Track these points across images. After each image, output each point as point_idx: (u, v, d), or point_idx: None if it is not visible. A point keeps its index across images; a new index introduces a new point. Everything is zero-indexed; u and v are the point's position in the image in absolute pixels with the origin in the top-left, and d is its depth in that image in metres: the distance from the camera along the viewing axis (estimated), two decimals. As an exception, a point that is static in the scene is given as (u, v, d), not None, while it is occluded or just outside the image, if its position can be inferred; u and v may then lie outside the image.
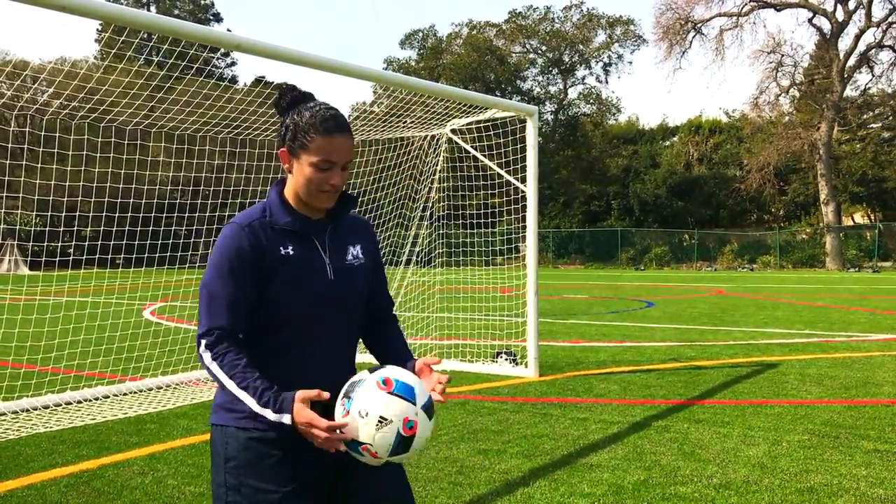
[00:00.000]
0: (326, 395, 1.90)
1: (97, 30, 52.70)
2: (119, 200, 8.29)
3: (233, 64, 59.22)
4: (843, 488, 4.25)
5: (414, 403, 1.92)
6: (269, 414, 1.89)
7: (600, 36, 55.12)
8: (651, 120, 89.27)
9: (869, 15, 40.40)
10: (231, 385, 1.94)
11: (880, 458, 4.84)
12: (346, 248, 2.20)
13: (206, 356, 1.98)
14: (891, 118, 44.79)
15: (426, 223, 10.11)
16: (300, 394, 1.88)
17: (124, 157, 8.34)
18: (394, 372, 1.98)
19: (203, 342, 1.99)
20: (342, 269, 2.14)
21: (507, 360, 8.32)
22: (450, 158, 9.84)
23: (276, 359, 2.06)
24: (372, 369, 2.00)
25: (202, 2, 61.46)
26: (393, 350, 2.31)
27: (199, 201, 9.46)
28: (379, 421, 1.87)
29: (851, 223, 47.00)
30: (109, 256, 8.30)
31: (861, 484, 4.32)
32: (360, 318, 2.25)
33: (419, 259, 10.11)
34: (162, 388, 7.16)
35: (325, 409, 1.94)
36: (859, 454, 4.92)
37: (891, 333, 11.31)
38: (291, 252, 2.06)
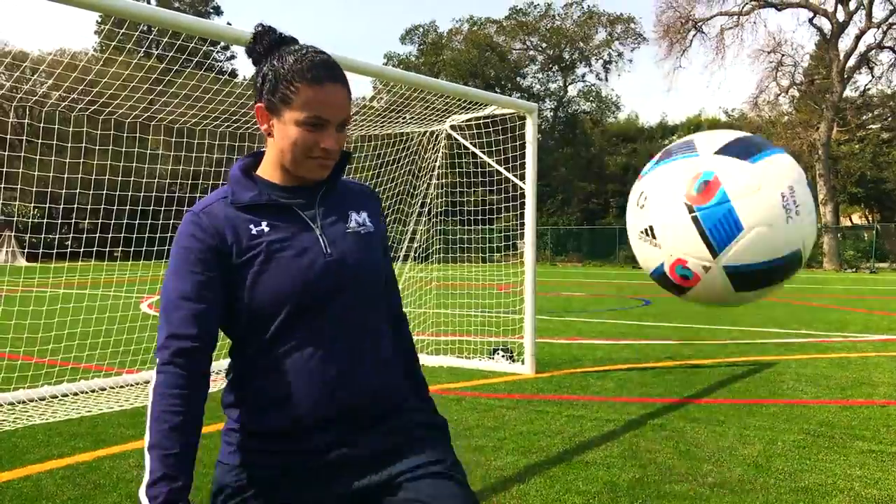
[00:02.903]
0: None
1: (97, 21, 52.66)
2: (118, 193, 8.28)
3: (232, 57, 59.20)
4: (838, 488, 4.27)
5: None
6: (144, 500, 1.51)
7: (601, 33, 55.16)
8: (650, 118, 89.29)
9: (869, 16, 40.39)
10: (146, 436, 1.56)
11: (875, 458, 4.85)
12: (347, 214, 1.75)
13: (152, 381, 1.60)
14: (890, 119, 44.86)
15: (424, 219, 10.10)
16: None
17: (123, 149, 8.33)
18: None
19: (157, 359, 1.62)
20: (344, 239, 1.70)
21: (503, 356, 8.33)
22: (449, 155, 9.83)
23: (286, 370, 1.64)
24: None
25: (202, -5, 61.29)
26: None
27: (197, 195, 9.44)
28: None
29: (849, 224, 47.06)
30: (107, 249, 8.28)
31: (855, 484, 4.34)
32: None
33: (417, 255, 10.11)
34: (159, 381, 7.15)
35: (373, 421, 1.68)
36: (854, 454, 4.93)
37: (887, 334, 11.34)
38: (266, 229, 1.64)
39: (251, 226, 1.64)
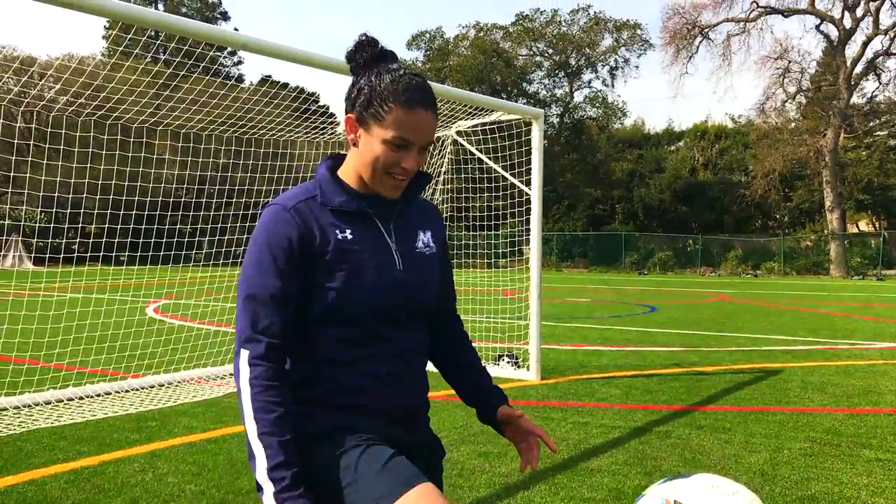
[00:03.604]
0: None
1: (105, 27, 52.87)
2: (124, 198, 8.31)
3: (239, 63, 59.46)
4: (844, 497, 4.24)
5: None
6: (269, 493, 1.57)
7: (607, 40, 55.19)
8: (657, 124, 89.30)
9: (876, 22, 40.35)
10: (251, 426, 1.62)
11: (881, 466, 4.82)
12: (416, 233, 1.85)
13: (246, 373, 1.65)
14: (897, 126, 44.73)
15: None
16: None
17: (130, 154, 8.35)
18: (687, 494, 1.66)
19: (246, 353, 1.65)
20: (412, 259, 1.80)
21: (509, 362, 8.32)
22: (454, 160, 9.84)
23: (335, 363, 1.74)
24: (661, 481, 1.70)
25: (209, 0, 61.58)
26: (463, 362, 2.05)
27: (203, 200, 9.48)
28: None
29: (856, 231, 46.91)
30: (114, 253, 8.32)
31: (862, 493, 4.31)
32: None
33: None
34: (164, 385, 7.17)
35: (407, 420, 1.79)
36: (861, 463, 4.90)
37: (894, 342, 11.28)
38: (350, 236, 1.71)
39: (337, 231, 1.71)
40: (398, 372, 1.78)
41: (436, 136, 1.82)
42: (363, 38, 1.75)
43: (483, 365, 2.09)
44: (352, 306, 1.70)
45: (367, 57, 1.73)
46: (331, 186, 1.75)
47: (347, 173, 1.78)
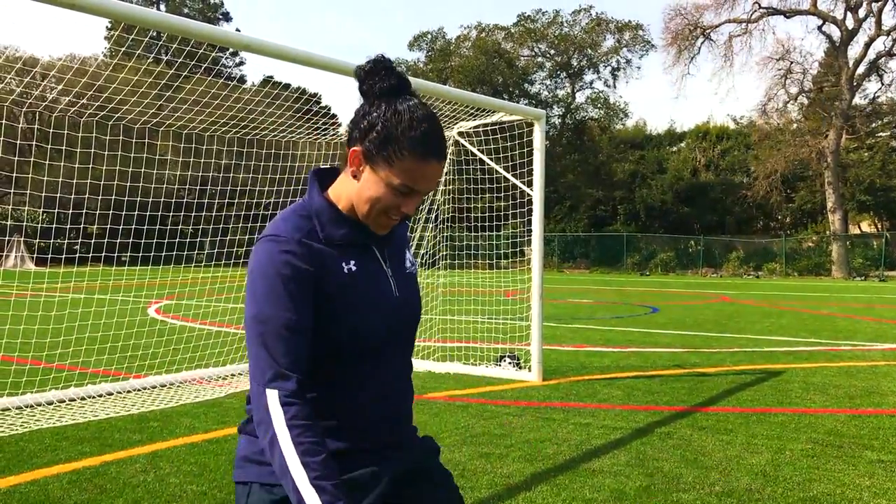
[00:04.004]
0: None
1: (107, 27, 52.95)
2: (126, 198, 8.33)
3: (241, 63, 59.53)
4: (846, 498, 4.24)
5: None
6: None
7: (609, 41, 55.10)
8: (658, 125, 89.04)
9: (879, 23, 40.30)
10: (299, 471, 1.50)
11: (883, 468, 4.82)
12: (403, 253, 1.84)
13: (279, 414, 1.53)
14: (899, 127, 44.68)
15: (431, 225, 10.10)
16: None
17: (132, 155, 8.36)
18: None
19: (275, 393, 1.54)
20: (404, 281, 1.79)
21: (510, 363, 8.31)
22: (456, 161, 9.84)
23: (347, 393, 1.69)
24: None
25: (211, 1, 61.65)
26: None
27: (205, 200, 9.48)
28: None
29: (858, 232, 46.85)
30: (116, 254, 8.34)
31: (864, 494, 4.31)
32: None
33: (424, 261, 10.11)
34: (165, 386, 7.17)
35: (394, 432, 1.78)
36: (862, 464, 4.90)
37: (896, 343, 11.27)
38: (355, 268, 1.67)
39: (343, 264, 1.66)
40: (395, 393, 1.77)
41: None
42: (380, 62, 1.65)
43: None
44: (365, 336, 1.66)
45: (384, 87, 1.63)
46: (330, 218, 1.68)
47: (339, 198, 1.70)
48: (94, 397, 6.58)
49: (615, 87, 60.41)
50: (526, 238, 8.87)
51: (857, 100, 42.90)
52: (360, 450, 1.70)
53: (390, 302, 1.72)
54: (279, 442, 1.51)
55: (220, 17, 61.55)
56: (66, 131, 7.54)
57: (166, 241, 9.44)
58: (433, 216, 10.02)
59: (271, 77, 55.14)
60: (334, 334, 1.63)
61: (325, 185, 1.75)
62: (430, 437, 1.97)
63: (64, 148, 7.67)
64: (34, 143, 7.21)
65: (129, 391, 6.90)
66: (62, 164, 7.62)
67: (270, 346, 1.56)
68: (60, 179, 7.68)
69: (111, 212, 8.12)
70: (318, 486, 1.49)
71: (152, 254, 9.25)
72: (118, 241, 8.58)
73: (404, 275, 1.80)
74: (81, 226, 8.22)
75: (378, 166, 1.61)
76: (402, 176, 1.60)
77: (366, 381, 1.70)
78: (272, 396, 1.53)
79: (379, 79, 1.64)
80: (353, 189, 1.66)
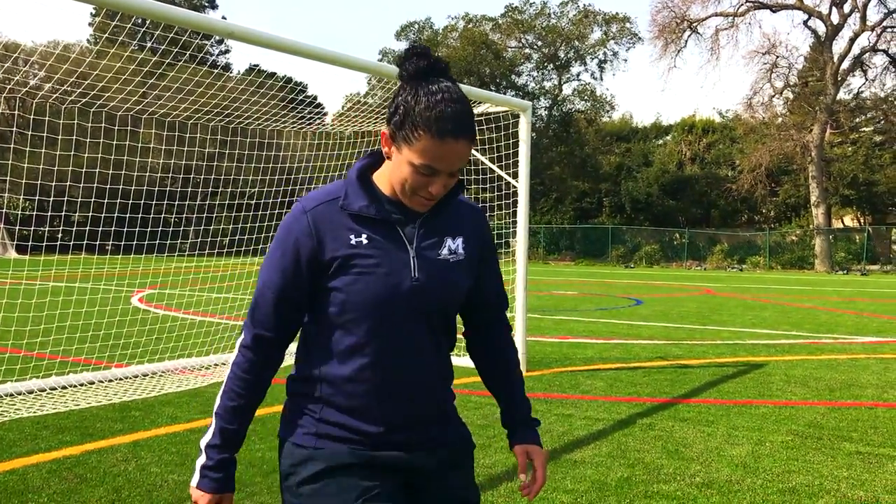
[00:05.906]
0: None
1: (91, 13, 52.40)
2: (109, 186, 8.25)
3: (226, 51, 59.02)
4: (825, 489, 4.28)
5: None
6: (197, 466, 1.76)
7: (596, 33, 55.10)
8: (645, 118, 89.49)
9: (864, 19, 40.53)
10: (217, 400, 1.78)
11: (861, 459, 4.88)
12: (443, 240, 1.79)
13: (234, 355, 1.78)
14: (883, 122, 45.01)
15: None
16: (218, 497, 1.74)
17: (115, 142, 8.29)
18: None
19: (241, 338, 1.78)
20: (433, 266, 1.75)
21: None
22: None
23: (358, 381, 1.73)
24: None
25: (197, -12, 61.09)
26: (500, 372, 2.07)
27: (189, 189, 9.42)
28: None
29: (841, 226, 47.26)
30: (98, 242, 8.25)
31: (842, 485, 4.36)
32: (465, 318, 2.01)
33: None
34: (148, 375, 7.14)
35: (418, 414, 1.79)
36: (841, 456, 4.95)
37: (876, 336, 11.39)
38: (365, 241, 1.70)
39: (352, 235, 1.70)
40: (405, 379, 1.77)
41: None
42: (414, 47, 1.69)
43: (516, 377, 2.07)
44: (358, 310, 1.69)
45: (411, 69, 1.66)
46: (356, 190, 1.73)
47: (382, 178, 1.76)
48: (75, 386, 6.54)
49: (602, 79, 60.64)
50: (511, 229, 8.88)
51: (842, 95, 43.20)
52: (369, 432, 1.75)
53: (402, 284, 1.70)
54: (226, 374, 1.79)
55: (206, 3, 61.01)
56: (48, 118, 7.46)
57: (149, 229, 9.39)
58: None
59: (257, 65, 54.85)
60: (336, 303, 1.71)
61: (372, 165, 1.82)
62: (466, 433, 1.98)
63: (46, 135, 7.59)
64: (15, 129, 7.13)
65: (111, 380, 6.86)
66: (44, 150, 7.56)
67: (255, 299, 1.77)
68: (42, 166, 7.61)
69: (94, 200, 8.05)
70: (216, 419, 1.76)
71: (135, 242, 9.19)
72: (101, 229, 8.52)
73: (435, 260, 1.76)
74: (63, 214, 8.16)
75: (401, 147, 1.66)
76: (420, 155, 1.62)
77: (375, 361, 1.72)
78: (239, 340, 1.79)
79: (410, 62, 1.67)
80: (389, 170, 1.73)
